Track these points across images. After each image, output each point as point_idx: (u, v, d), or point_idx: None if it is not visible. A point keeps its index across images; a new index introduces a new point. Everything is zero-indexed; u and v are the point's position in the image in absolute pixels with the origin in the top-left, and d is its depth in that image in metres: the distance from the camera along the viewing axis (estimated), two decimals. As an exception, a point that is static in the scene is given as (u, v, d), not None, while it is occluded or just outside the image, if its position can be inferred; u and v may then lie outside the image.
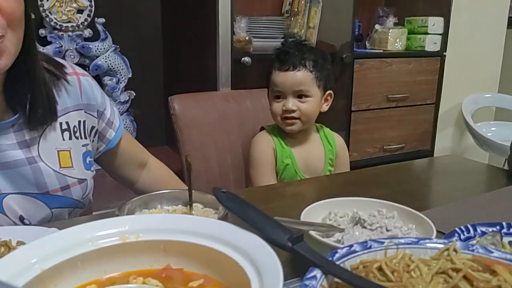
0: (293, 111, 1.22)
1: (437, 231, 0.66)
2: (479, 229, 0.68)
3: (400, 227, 0.63)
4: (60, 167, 0.82)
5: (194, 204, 0.74)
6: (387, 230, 0.63)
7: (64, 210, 0.84)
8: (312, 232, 0.59)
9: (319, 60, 1.24)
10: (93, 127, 0.91)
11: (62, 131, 0.83)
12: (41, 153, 0.80)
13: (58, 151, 0.82)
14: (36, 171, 0.79)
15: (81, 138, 0.87)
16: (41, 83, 0.78)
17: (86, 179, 0.87)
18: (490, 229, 0.69)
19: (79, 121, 0.87)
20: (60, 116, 0.83)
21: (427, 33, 2.41)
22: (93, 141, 0.92)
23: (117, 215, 0.65)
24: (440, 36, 2.43)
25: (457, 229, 0.67)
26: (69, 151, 0.84)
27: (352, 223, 0.66)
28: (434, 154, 2.59)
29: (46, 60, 0.83)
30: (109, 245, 0.49)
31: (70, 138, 0.84)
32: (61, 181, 0.82)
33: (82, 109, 0.87)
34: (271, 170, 1.28)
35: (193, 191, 0.74)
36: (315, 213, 0.67)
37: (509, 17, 2.78)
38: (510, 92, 2.79)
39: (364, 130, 2.33)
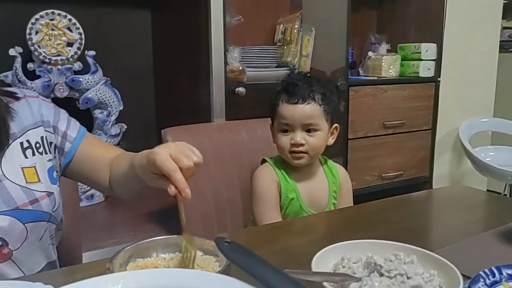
0: (302, 144, 1.18)
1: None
2: (504, 272, 0.63)
3: (421, 274, 0.57)
4: (27, 182, 0.82)
5: (192, 252, 0.67)
6: (408, 278, 0.57)
7: (38, 224, 0.83)
8: (326, 284, 0.53)
9: (327, 93, 1.21)
10: (51, 143, 0.91)
11: (24, 149, 0.84)
12: (5, 172, 0.81)
13: (23, 168, 0.83)
14: (1, 190, 0.79)
15: (45, 153, 0.88)
16: None
17: (53, 193, 0.86)
18: (517, 271, 0.64)
19: (42, 137, 0.88)
20: (19, 137, 0.85)
21: (420, 59, 2.40)
22: (55, 157, 0.92)
23: (108, 269, 0.59)
24: (433, 62, 2.43)
25: (481, 273, 0.61)
26: (34, 167, 0.84)
27: (368, 270, 0.60)
28: (433, 180, 2.54)
29: None
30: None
31: (34, 155, 0.85)
32: (29, 195, 0.81)
33: (41, 126, 0.89)
34: (276, 205, 1.22)
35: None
36: (327, 259, 0.61)
37: (500, 42, 2.80)
38: (505, 116, 2.77)
39: (362, 158, 2.29)
